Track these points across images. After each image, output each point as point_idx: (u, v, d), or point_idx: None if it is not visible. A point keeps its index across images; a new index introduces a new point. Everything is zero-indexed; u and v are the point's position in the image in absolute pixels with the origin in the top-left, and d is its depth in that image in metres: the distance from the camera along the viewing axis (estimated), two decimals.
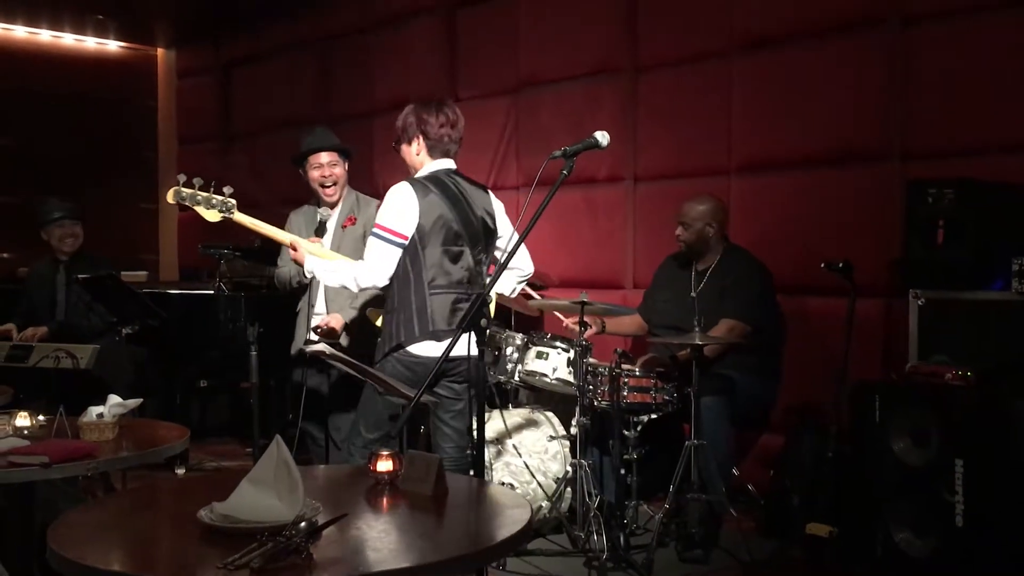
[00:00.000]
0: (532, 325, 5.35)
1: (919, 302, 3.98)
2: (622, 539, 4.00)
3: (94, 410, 3.15)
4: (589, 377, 4.26)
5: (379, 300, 3.87)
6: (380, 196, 6.87)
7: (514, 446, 4.39)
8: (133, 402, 3.30)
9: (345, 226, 4.39)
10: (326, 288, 4.22)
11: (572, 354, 4.35)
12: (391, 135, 3.78)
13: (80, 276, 5.28)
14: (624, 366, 4.18)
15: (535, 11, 6.21)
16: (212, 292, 5.86)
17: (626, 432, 4.21)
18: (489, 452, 4.28)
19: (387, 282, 3.49)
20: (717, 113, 5.30)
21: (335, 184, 4.37)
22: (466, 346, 3.32)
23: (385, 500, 2.38)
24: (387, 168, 6.64)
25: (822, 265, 4.13)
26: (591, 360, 4.31)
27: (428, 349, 3.46)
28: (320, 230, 4.32)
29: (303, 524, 1.94)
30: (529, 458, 4.41)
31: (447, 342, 3.36)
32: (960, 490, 3.52)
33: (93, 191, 8.59)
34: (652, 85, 5.62)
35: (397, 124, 3.68)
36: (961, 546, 3.53)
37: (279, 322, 4.99)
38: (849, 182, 4.76)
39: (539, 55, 6.17)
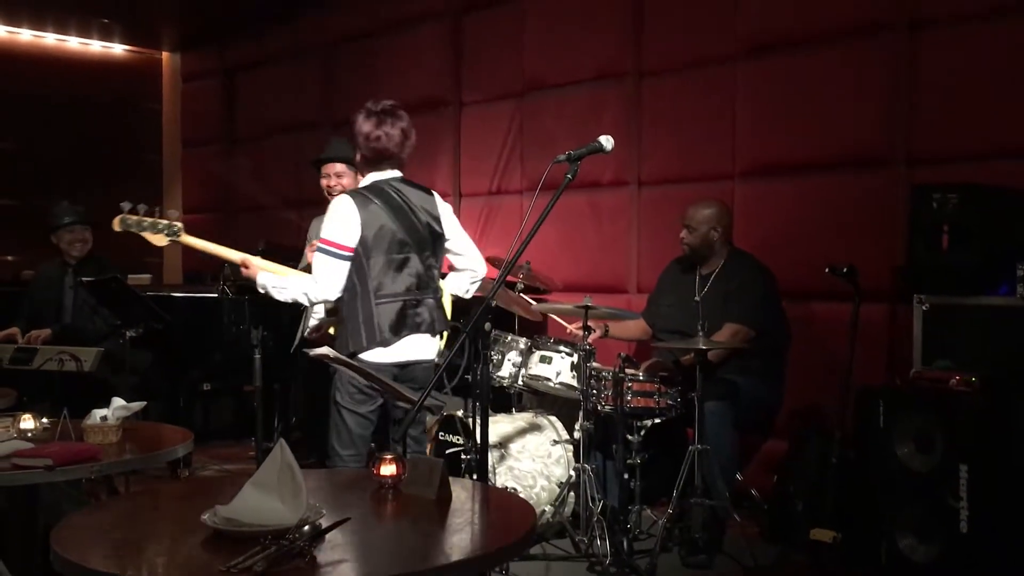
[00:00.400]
0: (536, 329, 5.35)
1: (923, 307, 3.97)
2: (625, 544, 4.00)
3: (98, 413, 3.15)
4: (593, 381, 4.26)
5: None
6: None
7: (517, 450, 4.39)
8: (137, 405, 3.29)
9: None
10: None
11: (576, 358, 4.36)
12: None
13: (84, 279, 5.29)
14: (628, 370, 4.17)
15: (540, 16, 6.22)
16: (216, 295, 5.86)
17: (630, 436, 4.21)
18: (492, 456, 4.27)
19: (338, 295, 3.53)
20: (721, 118, 5.30)
21: (341, 193, 4.47)
22: (417, 351, 3.38)
23: (388, 504, 2.38)
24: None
25: (826, 270, 4.12)
26: (595, 364, 4.30)
27: (378, 356, 3.51)
28: None
29: (306, 528, 1.94)
30: (532, 462, 4.40)
31: (394, 347, 3.51)
32: (964, 496, 3.51)
33: (97, 194, 8.57)
34: (656, 90, 5.62)
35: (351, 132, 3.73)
36: (965, 552, 3.52)
37: (283, 326, 5.01)
38: (854, 187, 4.75)
39: (544, 59, 6.18)
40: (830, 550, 3.87)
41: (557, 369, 4.40)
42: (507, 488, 4.26)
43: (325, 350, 3.26)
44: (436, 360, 3.66)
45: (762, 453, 4.89)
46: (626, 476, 4.18)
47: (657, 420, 4.28)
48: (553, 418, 4.64)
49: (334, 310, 3.71)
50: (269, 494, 2.07)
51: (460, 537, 2.24)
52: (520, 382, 4.52)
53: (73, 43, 9.32)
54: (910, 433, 3.75)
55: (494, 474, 4.28)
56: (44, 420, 3.30)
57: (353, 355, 3.47)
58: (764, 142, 5.11)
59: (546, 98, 6.17)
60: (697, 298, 4.53)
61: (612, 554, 3.92)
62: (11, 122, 8.71)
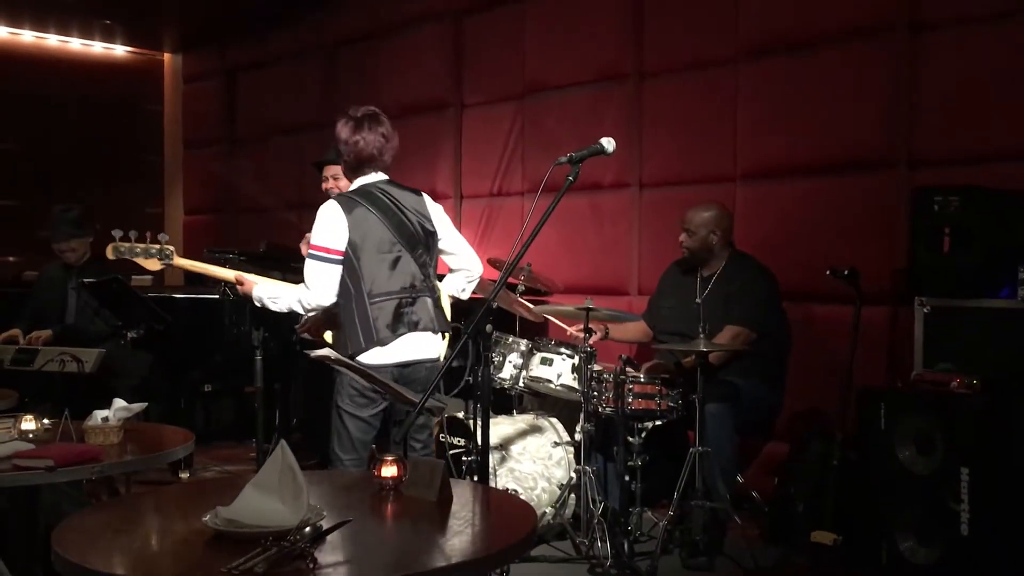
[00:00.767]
0: (537, 331, 5.36)
1: (925, 309, 3.97)
2: (626, 546, 4.00)
3: (99, 414, 3.16)
4: (593, 383, 4.26)
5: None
6: None
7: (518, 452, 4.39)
8: (138, 406, 3.30)
9: None
10: None
11: (577, 360, 4.36)
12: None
13: (86, 280, 5.29)
14: (629, 372, 4.17)
15: (541, 18, 6.22)
16: (217, 296, 5.87)
17: (630, 438, 4.21)
18: (493, 458, 4.27)
19: (333, 299, 3.53)
20: (722, 120, 5.30)
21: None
22: (417, 350, 3.42)
23: (389, 506, 2.38)
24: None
25: (827, 272, 4.12)
26: (596, 366, 4.30)
27: (376, 357, 3.50)
28: None
29: (307, 529, 1.94)
30: (533, 464, 4.40)
31: (393, 347, 3.49)
32: (965, 498, 3.51)
33: (99, 195, 8.62)
34: (657, 92, 5.63)
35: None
36: (966, 555, 3.52)
37: (284, 327, 5.00)
38: (855, 189, 4.76)
39: (545, 61, 6.18)
40: (831, 552, 3.86)
41: (558, 371, 4.40)
42: (508, 490, 4.26)
43: (326, 352, 3.27)
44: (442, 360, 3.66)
45: (763, 455, 4.89)
46: (627, 478, 4.18)
47: (658, 422, 4.28)
48: (554, 420, 4.64)
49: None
50: (270, 495, 2.07)
51: (461, 539, 2.23)
52: (521, 384, 4.52)
53: (75, 44, 9.32)
54: (911, 435, 3.74)
55: (495, 476, 4.28)
56: (45, 421, 3.30)
57: (352, 357, 3.47)
58: (765, 144, 5.11)
59: (547, 100, 6.17)
60: (698, 300, 4.52)
61: (613, 556, 3.92)
62: (12, 123, 8.72)
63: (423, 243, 3.65)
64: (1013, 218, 3.96)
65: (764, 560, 4.01)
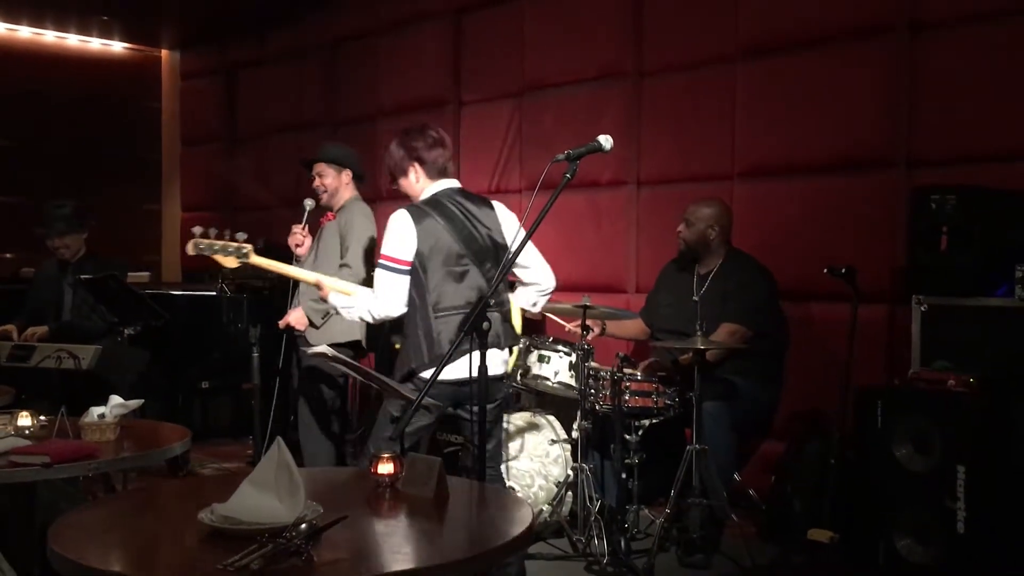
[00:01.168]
0: (534, 328, 5.35)
1: (922, 308, 3.97)
2: (623, 543, 4.00)
3: (95, 411, 3.15)
4: (591, 381, 4.26)
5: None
6: (383, 197, 6.91)
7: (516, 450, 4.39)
8: (134, 403, 3.29)
9: (322, 222, 4.77)
10: (301, 284, 4.44)
11: (574, 358, 4.36)
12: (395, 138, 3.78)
13: (83, 276, 5.28)
14: (626, 370, 4.17)
15: (540, 16, 6.22)
16: (215, 293, 5.87)
17: (627, 436, 4.21)
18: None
19: (403, 309, 3.45)
20: (721, 118, 5.30)
21: (325, 192, 4.80)
22: (473, 369, 3.23)
23: (386, 503, 2.38)
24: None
25: (825, 271, 4.12)
26: (593, 364, 4.31)
27: (441, 372, 3.43)
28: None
29: (303, 526, 1.94)
30: (530, 462, 4.40)
31: (457, 362, 3.14)
32: (962, 497, 3.51)
33: (97, 192, 8.60)
34: (656, 90, 5.62)
35: (388, 163, 3.66)
36: (963, 553, 3.53)
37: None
38: (853, 188, 4.75)
39: (543, 59, 6.17)
40: (828, 550, 3.87)
41: (555, 368, 4.40)
42: (505, 487, 4.26)
43: (324, 348, 3.27)
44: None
45: (760, 453, 4.89)
46: (624, 476, 4.18)
47: (655, 420, 4.28)
48: (551, 417, 4.64)
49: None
50: (266, 492, 2.07)
51: (457, 536, 2.24)
52: (518, 381, 4.51)
53: (72, 41, 9.30)
54: (908, 434, 3.75)
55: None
56: (42, 417, 3.30)
57: (414, 372, 3.40)
58: (763, 143, 5.11)
59: (546, 98, 6.16)
60: (695, 297, 4.53)
61: (610, 553, 3.92)
62: (10, 120, 8.69)
63: (492, 257, 3.54)
64: (1011, 217, 3.96)
65: (761, 558, 4.02)
